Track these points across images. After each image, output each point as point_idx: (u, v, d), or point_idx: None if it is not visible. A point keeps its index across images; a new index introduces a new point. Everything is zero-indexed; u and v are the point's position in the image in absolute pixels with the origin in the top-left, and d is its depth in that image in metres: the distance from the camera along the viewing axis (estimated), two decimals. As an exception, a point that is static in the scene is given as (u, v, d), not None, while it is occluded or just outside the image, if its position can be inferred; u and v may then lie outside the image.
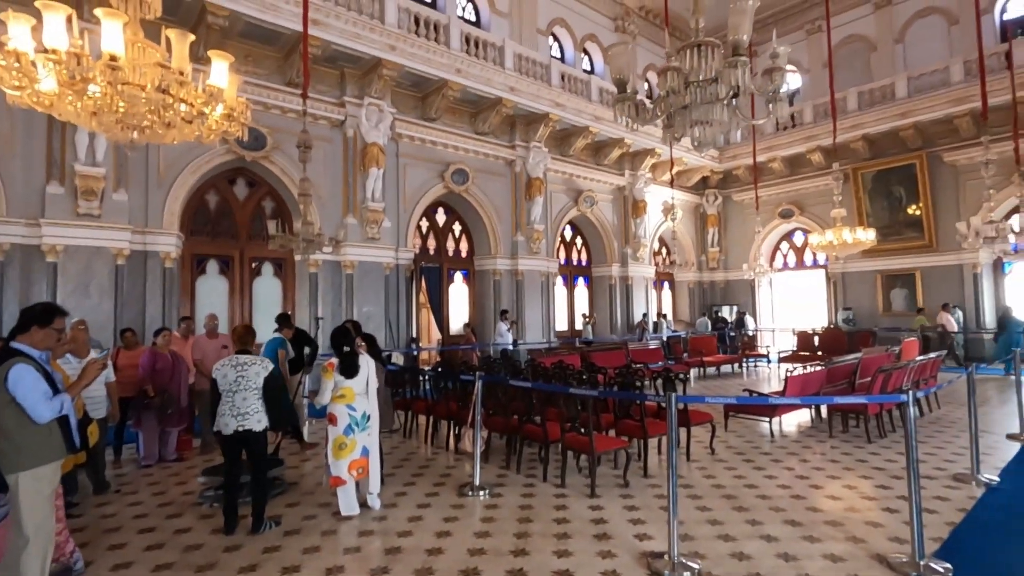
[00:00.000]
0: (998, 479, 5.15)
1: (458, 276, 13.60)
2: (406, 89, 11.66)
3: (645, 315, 16.21)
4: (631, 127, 4.02)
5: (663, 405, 4.53)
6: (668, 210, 14.67)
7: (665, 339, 14.32)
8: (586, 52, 17.01)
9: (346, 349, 4.51)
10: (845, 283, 16.77)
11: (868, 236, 10.95)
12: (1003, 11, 14.68)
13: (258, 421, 4.15)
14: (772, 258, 18.98)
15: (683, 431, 6.06)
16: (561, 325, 15.49)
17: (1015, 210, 10.86)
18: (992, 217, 10.12)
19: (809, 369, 7.70)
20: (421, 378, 7.76)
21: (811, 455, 6.15)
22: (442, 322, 12.98)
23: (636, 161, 16.47)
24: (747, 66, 3.05)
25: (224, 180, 10.10)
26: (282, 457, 5.42)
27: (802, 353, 13.43)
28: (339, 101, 10.71)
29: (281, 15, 9.04)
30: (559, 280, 15.41)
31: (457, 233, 13.64)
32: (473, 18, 14.35)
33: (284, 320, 7.06)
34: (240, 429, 4.10)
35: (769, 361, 14.89)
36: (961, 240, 14.05)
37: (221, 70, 3.93)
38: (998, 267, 14.51)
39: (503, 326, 12.23)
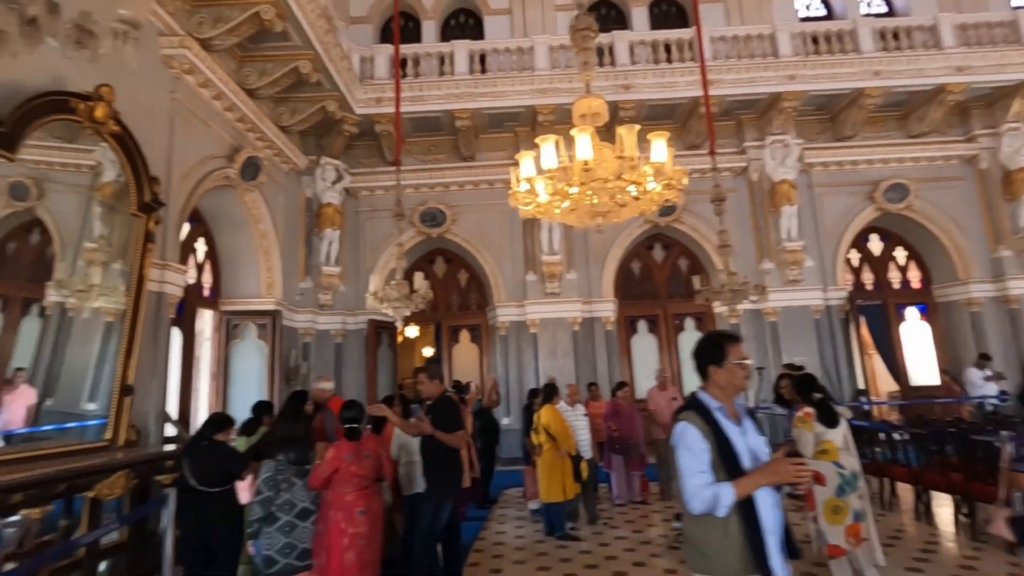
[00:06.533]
0: None
1: (911, 312, 11.03)
2: (811, 115, 10.68)
3: None
4: None
5: None
6: None
7: None
8: (1075, -19, 12.09)
9: (817, 396, 4.11)
10: None
11: None
12: None
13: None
14: None
15: None
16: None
17: None
18: None
19: None
20: (881, 436, 6.49)
21: None
22: (896, 369, 10.63)
23: None
24: None
25: (643, 247, 11.27)
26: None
27: None
28: (739, 149, 10.64)
29: (677, 89, 9.80)
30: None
31: (901, 261, 11.23)
32: (884, 9, 12.27)
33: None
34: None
35: None
36: None
37: (660, 147, 4.43)
38: None
39: (976, 373, 9.14)
